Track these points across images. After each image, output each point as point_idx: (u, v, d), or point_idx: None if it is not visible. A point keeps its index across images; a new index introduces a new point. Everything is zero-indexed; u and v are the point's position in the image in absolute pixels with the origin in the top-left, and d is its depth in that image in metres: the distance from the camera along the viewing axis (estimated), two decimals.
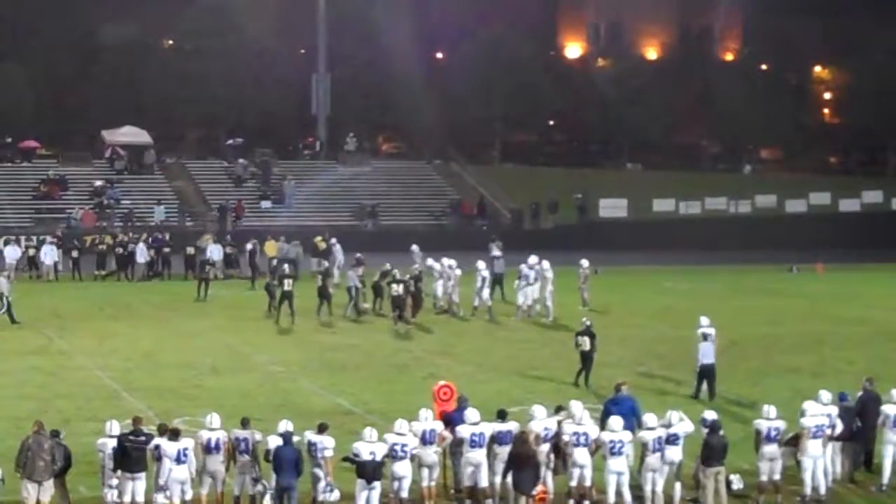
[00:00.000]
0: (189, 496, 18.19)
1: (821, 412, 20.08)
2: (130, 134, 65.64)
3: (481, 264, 38.52)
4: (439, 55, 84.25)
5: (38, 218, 58.42)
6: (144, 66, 71.45)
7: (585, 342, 27.79)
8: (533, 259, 37.93)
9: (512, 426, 19.38)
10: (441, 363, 30.61)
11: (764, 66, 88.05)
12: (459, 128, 75.64)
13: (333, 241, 47.66)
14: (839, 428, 20.26)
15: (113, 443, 18.24)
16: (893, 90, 75.06)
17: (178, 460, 18.07)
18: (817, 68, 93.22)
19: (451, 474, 19.82)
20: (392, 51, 70.75)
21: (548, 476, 19.28)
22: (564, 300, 38.92)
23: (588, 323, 28.35)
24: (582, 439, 19.18)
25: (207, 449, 18.48)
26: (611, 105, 78.83)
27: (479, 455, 19.14)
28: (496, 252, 48.94)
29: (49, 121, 70.47)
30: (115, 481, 18.15)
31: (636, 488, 19.20)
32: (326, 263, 44.42)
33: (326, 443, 18.60)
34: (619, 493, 18.99)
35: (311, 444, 18.65)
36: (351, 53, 72.28)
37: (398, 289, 35.84)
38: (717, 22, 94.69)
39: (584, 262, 39.94)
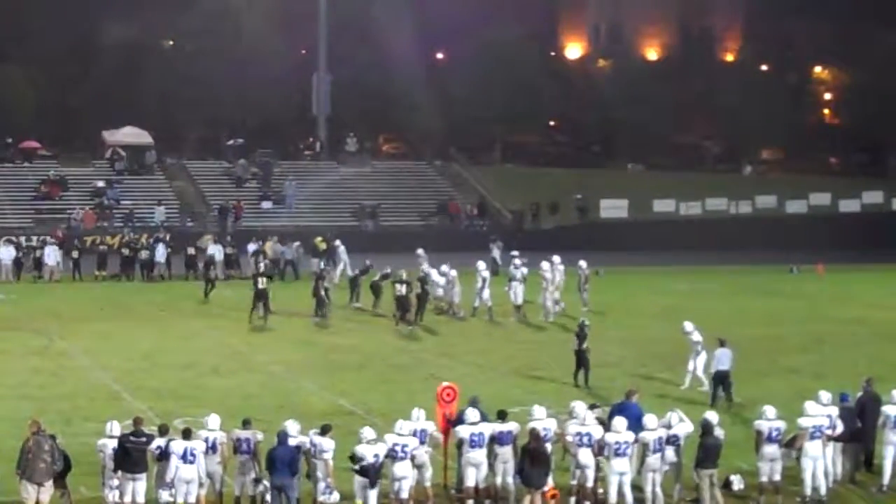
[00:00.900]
0: (193, 498, 18.19)
1: (821, 413, 20.09)
2: (131, 134, 65.63)
3: (481, 265, 38.55)
4: (440, 55, 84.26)
5: (39, 218, 58.44)
6: (145, 66, 71.42)
7: (574, 342, 27.90)
8: (520, 260, 38.19)
9: (512, 426, 19.43)
10: (442, 364, 30.62)
11: (764, 67, 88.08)
12: (460, 128, 75.64)
13: (337, 242, 47.67)
14: (840, 429, 20.26)
15: (113, 443, 18.25)
16: (894, 91, 75.05)
17: (185, 459, 18.07)
18: (817, 69, 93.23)
19: (452, 475, 19.84)
20: (392, 51, 70.75)
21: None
22: (566, 300, 38.97)
23: (584, 323, 28.33)
24: (585, 439, 19.21)
25: (205, 449, 18.49)
26: (611, 105, 78.81)
27: (479, 455, 19.18)
28: (496, 252, 49.16)
29: (50, 121, 70.45)
30: (115, 482, 18.16)
31: (636, 489, 19.22)
32: (323, 264, 44.34)
33: (326, 445, 18.62)
34: (620, 494, 19.01)
35: (312, 445, 18.67)
36: (351, 54, 72.27)
37: (401, 289, 35.85)
38: (717, 22, 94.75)
39: (583, 264, 39.90)
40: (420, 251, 44.32)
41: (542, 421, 19.53)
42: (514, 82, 74.98)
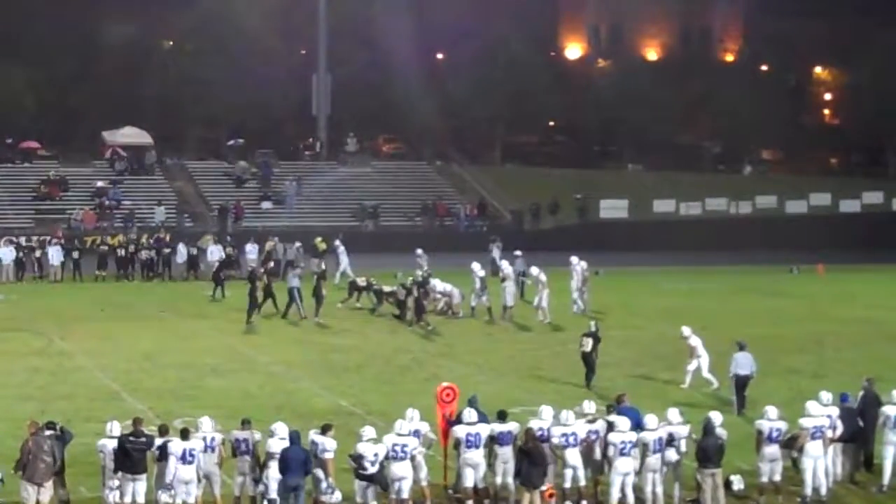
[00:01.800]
0: (192, 499, 18.18)
1: (821, 413, 20.09)
2: (131, 135, 65.66)
3: (476, 266, 38.39)
4: (440, 56, 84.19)
5: (39, 219, 58.45)
6: (145, 66, 71.42)
7: (588, 343, 27.84)
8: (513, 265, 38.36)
9: (512, 426, 19.44)
10: (442, 364, 30.61)
11: (764, 67, 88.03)
12: (460, 128, 75.65)
13: (337, 242, 47.67)
14: (840, 429, 20.26)
15: (113, 444, 18.24)
16: (893, 91, 75.04)
17: (184, 459, 18.06)
18: (817, 69, 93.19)
19: (452, 475, 19.84)
20: (392, 51, 70.73)
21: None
22: (568, 301, 39.01)
23: (594, 326, 28.34)
24: (571, 440, 19.23)
25: (203, 449, 18.47)
26: (611, 106, 78.75)
27: (475, 455, 19.18)
28: (496, 252, 49.14)
29: (50, 121, 70.46)
30: (115, 482, 18.14)
31: (637, 489, 19.22)
32: (323, 266, 44.22)
33: (327, 444, 18.60)
34: (625, 495, 19.01)
35: (313, 444, 18.66)
36: (351, 54, 72.26)
37: (400, 290, 35.95)
38: (717, 23, 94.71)
39: (583, 264, 39.87)
40: (419, 251, 44.41)
41: (541, 421, 19.54)
42: (513, 83, 74.98)
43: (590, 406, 20.08)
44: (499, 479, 19.32)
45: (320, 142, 70.72)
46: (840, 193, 70.39)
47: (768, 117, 77.61)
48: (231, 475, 18.90)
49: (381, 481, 18.37)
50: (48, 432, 18.38)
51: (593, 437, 19.46)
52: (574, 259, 39.96)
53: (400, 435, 18.73)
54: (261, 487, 18.50)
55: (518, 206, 65.78)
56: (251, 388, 27.47)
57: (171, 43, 77.87)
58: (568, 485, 19.22)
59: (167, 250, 48.58)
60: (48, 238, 49.33)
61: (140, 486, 18.12)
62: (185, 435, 18.34)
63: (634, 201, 66.42)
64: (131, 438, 18.19)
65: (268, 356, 31.60)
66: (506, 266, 38.23)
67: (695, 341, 27.95)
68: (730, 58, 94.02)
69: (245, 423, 18.93)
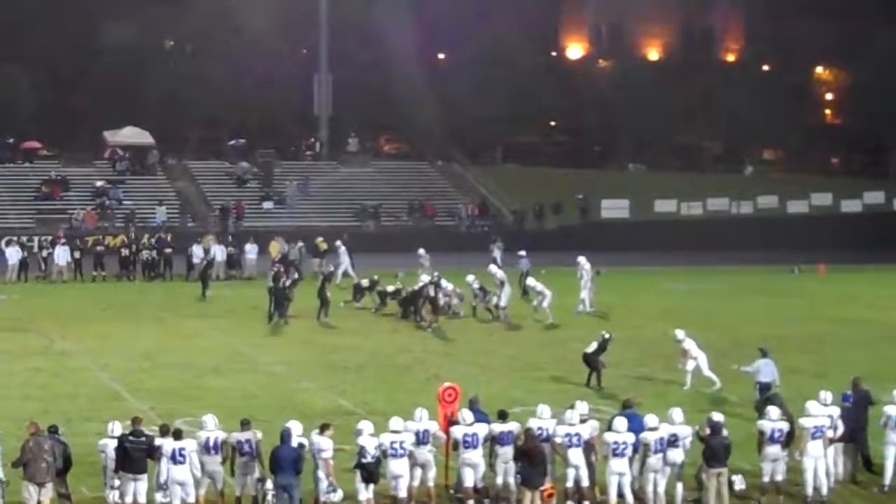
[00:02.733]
0: (191, 499, 18.18)
1: (822, 413, 20.09)
2: (132, 135, 65.71)
3: (471, 278, 38.25)
4: (441, 56, 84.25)
5: (40, 219, 58.48)
6: (146, 67, 71.45)
7: (592, 346, 27.85)
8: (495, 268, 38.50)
9: (513, 426, 19.44)
10: (443, 364, 30.61)
11: (766, 67, 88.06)
12: (461, 128, 75.65)
13: (338, 243, 47.70)
14: (840, 429, 20.25)
15: (114, 443, 18.25)
16: (895, 91, 75.02)
17: (175, 460, 18.05)
18: (819, 69, 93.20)
19: (453, 475, 19.85)
20: (394, 51, 70.74)
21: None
22: (570, 301, 39.02)
23: (606, 336, 28.29)
24: (574, 440, 19.23)
25: (206, 449, 18.48)
26: (612, 106, 78.82)
27: (474, 455, 19.20)
28: (497, 253, 49.16)
29: (51, 121, 70.48)
30: (116, 482, 18.16)
31: (638, 489, 19.21)
32: (331, 266, 44.23)
33: (323, 444, 18.62)
34: (620, 495, 19.02)
35: (312, 444, 18.67)
36: (352, 54, 72.28)
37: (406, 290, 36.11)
38: (718, 23, 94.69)
39: (587, 265, 39.90)
40: (421, 251, 44.41)
41: (541, 421, 19.55)
42: (515, 83, 75.01)
43: (582, 406, 20.04)
44: (500, 479, 19.33)
45: (320, 142, 70.73)
46: (841, 193, 70.39)
47: (770, 117, 77.63)
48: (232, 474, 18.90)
49: (373, 473, 18.38)
50: (49, 435, 18.38)
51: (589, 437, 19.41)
52: (582, 259, 39.95)
53: (395, 432, 18.74)
54: (268, 485, 18.47)
55: (519, 206, 65.79)
56: (252, 388, 27.47)
57: (173, 43, 77.91)
58: (570, 485, 19.22)
59: (168, 250, 48.59)
60: (53, 238, 49.36)
61: (141, 485, 18.12)
62: (177, 435, 18.33)
63: (635, 201, 66.43)
64: (131, 438, 18.20)
65: (269, 356, 31.60)
66: (501, 274, 37.99)
67: (689, 344, 27.96)
68: (731, 58, 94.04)
69: (245, 424, 18.92)
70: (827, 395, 20.60)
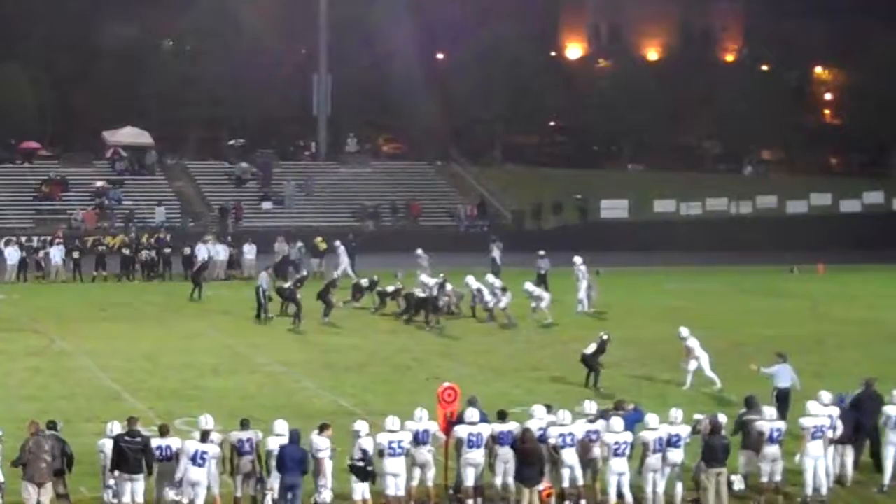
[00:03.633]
0: (200, 500, 18.15)
1: (822, 413, 20.09)
2: (131, 135, 65.66)
3: (470, 279, 38.18)
4: (440, 56, 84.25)
5: (40, 219, 58.47)
6: (145, 66, 71.43)
7: (591, 347, 27.86)
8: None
9: (512, 426, 19.44)
10: (442, 364, 30.61)
11: (765, 67, 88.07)
12: (460, 128, 75.67)
13: (337, 243, 47.68)
14: (840, 429, 20.25)
15: (111, 443, 18.27)
16: (894, 91, 75.02)
17: (195, 461, 18.05)
18: (818, 69, 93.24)
19: (452, 475, 19.85)
20: (393, 52, 70.77)
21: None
22: (570, 301, 39.02)
23: (605, 337, 28.29)
24: (568, 440, 19.25)
25: (216, 454, 18.48)
26: (611, 106, 78.80)
27: (477, 455, 19.20)
28: (496, 253, 49.14)
29: (50, 122, 70.50)
30: (112, 482, 18.15)
31: (637, 489, 19.22)
32: (336, 274, 43.97)
33: (320, 444, 18.62)
34: (620, 494, 19.03)
35: (311, 444, 18.67)
36: (352, 54, 72.26)
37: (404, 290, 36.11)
38: (717, 23, 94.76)
39: (582, 265, 39.92)
40: (420, 251, 44.39)
41: (539, 421, 19.55)
42: (514, 83, 75.01)
43: (591, 406, 20.13)
44: (499, 480, 19.34)
45: (316, 143, 70.75)
46: (840, 193, 70.36)
47: (769, 117, 77.63)
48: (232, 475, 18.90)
49: (368, 474, 18.44)
50: (49, 432, 18.41)
51: (594, 437, 19.46)
52: (578, 259, 39.94)
53: (392, 431, 18.76)
54: (267, 486, 18.48)
55: (518, 207, 65.78)
56: (251, 389, 27.48)
57: (172, 43, 77.88)
58: (566, 485, 19.23)
59: (168, 250, 48.59)
60: (51, 238, 49.36)
61: (138, 486, 18.10)
62: (204, 437, 18.33)
63: (635, 201, 66.41)
64: (126, 438, 18.18)
65: (268, 356, 31.59)
66: (499, 283, 37.90)
67: (692, 342, 27.95)
68: (730, 58, 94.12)
69: (244, 424, 18.92)
70: (827, 396, 20.60)
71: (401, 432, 18.85)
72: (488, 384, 27.25)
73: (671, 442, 19.25)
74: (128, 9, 71.97)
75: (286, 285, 37.72)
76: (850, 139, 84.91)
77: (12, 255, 47.00)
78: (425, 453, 19.18)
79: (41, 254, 47.90)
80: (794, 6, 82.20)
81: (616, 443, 19.00)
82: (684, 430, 19.48)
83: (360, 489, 18.50)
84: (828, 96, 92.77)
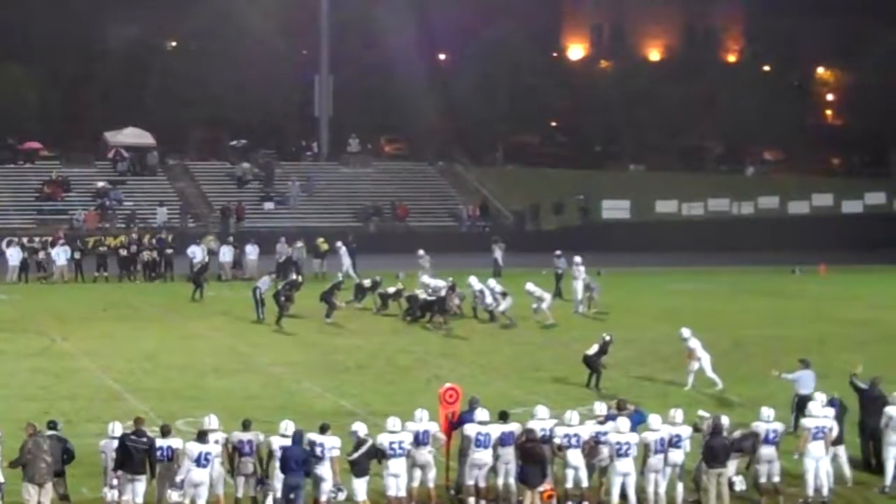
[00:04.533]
0: (202, 501, 18.14)
1: (823, 413, 20.09)
2: (133, 135, 65.69)
3: (472, 279, 38.16)
4: (442, 56, 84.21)
5: (41, 219, 58.49)
6: (147, 67, 71.41)
7: (593, 348, 27.85)
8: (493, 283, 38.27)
9: (514, 427, 19.45)
10: (444, 364, 30.61)
11: (767, 68, 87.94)
12: (462, 129, 75.57)
13: (339, 244, 47.68)
14: (835, 431, 20.26)
15: (115, 444, 18.25)
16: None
17: (199, 462, 18.05)
18: (820, 69, 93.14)
19: (453, 475, 19.85)
20: (395, 52, 70.70)
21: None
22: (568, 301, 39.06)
23: (607, 338, 28.29)
24: (574, 441, 19.23)
25: (218, 453, 18.47)
26: (613, 106, 78.74)
27: (485, 455, 19.21)
28: (498, 253, 49.17)
29: (52, 122, 70.44)
30: (114, 481, 18.16)
31: (639, 489, 19.21)
32: (340, 276, 43.89)
33: (333, 442, 18.64)
34: (623, 495, 19.02)
35: (313, 445, 18.66)
36: (354, 55, 72.26)
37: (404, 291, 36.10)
38: (719, 23, 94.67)
39: (579, 260, 39.98)
40: (421, 252, 44.36)
41: (542, 421, 19.55)
42: (516, 83, 74.97)
43: (601, 408, 20.09)
44: (500, 480, 19.33)
45: (318, 143, 70.74)
46: (842, 194, 70.35)
47: (771, 118, 77.53)
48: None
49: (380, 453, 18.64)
50: (49, 432, 18.41)
51: (602, 438, 19.42)
52: (577, 259, 39.96)
53: (393, 432, 18.77)
54: (268, 487, 18.48)
55: (520, 207, 65.76)
56: (253, 389, 27.47)
57: (174, 44, 77.88)
58: (570, 485, 19.22)
59: (169, 251, 48.61)
60: (52, 238, 49.37)
61: (139, 486, 18.11)
62: (202, 438, 18.32)
63: (636, 202, 66.41)
64: (132, 437, 18.20)
65: (269, 357, 31.60)
66: (500, 288, 37.85)
67: (694, 343, 27.93)
68: (732, 58, 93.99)
69: (246, 425, 18.93)
70: (822, 397, 20.62)
71: (402, 433, 18.86)
72: (490, 385, 27.25)
73: (672, 442, 19.24)
74: (130, 9, 71.95)
75: (278, 288, 37.56)
76: (852, 140, 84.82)
77: (14, 255, 47.02)
78: (426, 454, 19.18)
79: (42, 254, 47.91)
80: (796, 6, 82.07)
81: (618, 443, 18.98)
82: (685, 431, 19.47)
83: (361, 489, 18.50)
84: (830, 97, 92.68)
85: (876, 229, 65.25)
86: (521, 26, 78.72)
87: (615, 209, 66.50)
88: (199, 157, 69.85)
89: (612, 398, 23.70)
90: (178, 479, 18.10)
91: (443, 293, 36.29)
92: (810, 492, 19.67)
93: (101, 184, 61.13)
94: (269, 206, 62.75)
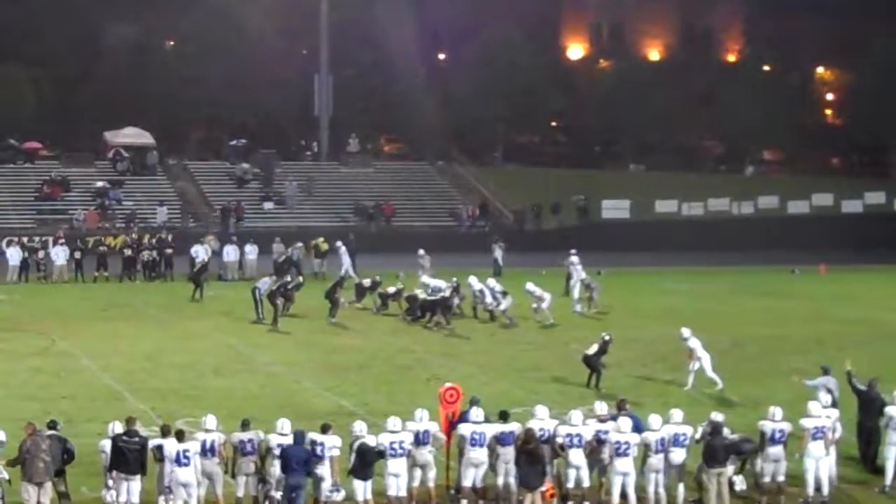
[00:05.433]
0: (194, 501, 18.14)
1: (823, 413, 20.10)
2: (133, 135, 65.68)
3: (473, 279, 38.15)
4: (441, 56, 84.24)
5: (41, 219, 58.49)
6: (147, 67, 71.42)
7: (593, 348, 27.85)
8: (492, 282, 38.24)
9: (514, 427, 19.44)
10: (444, 364, 30.61)
11: (766, 67, 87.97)
12: (462, 129, 75.63)
13: (338, 243, 47.69)
14: (839, 432, 20.26)
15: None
16: (895, 91, 74.96)
17: (179, 462, 18.03)
18: (820, 69, 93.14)
19: (453, 475, 19.85)
20: (394, 52, 70.74)
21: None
22: (567, 301, 39.06)
23: (606, 338, 28.28)
24: (576, 440, 19.24)
25: (203, 451, 18.43)
26: (613, 106, 78.76)
27: (480, 454, 19.22)
28: (498, 253, 49.18)
29: (52, 122, 70.46)
30: (111, 482, 18.17)
31: (639, 489, 19.22)
32: (342, 272, 43.89)
33: (334, 442, 18.66)
34: (623, 495, 19.02)
35: (314, 445, 18.67)
36: (353, 54, 72.28)
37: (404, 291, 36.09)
38: (718, 23, 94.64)
39: (576, 260, 39.95)
40: (421, 252, 44.38)
41: (541, 421, 19.55)
42: (515, 83, 75.00)
43: (601, 407, 20.09)
44: (500, 480, 19.33)
45: (318, 143, 70.73)
46: (842, 194, 70.34)
47: (770, 117, 77.57)
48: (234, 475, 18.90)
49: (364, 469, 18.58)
50: (49, 432, 18.42)
51: (603, 437, 19.42)
52: (575, 258, 39.95)
53: (394, 432, 18.78)
54: (268, 487, 18.48)
55: (520, 207, 65.76)
56: (253, 389, 27.48)
57: (174, 43, 77.86)
58: (571, 485, 19.22)
59: (169, 251, 48.61)
60: (54, 238, 49.35)
61: (134, 486, 18.09)
62: (179, 437, 18.30)
63: (636, 202, 66.40)
64: (124, 438, 18.18)
65: (269, 356, 31.60)
66: (499, 287, 37.86)
67: (694, 343, 27.93)
68: (732, 58, 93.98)
69: (245, 425, 18.93)
70: (826, 397, 20.61)
71: (402, 433, 18.86)
72: (490, 384, 27.26)
73: (674, 441, 19.25)
74: (130, 9, 71.96)
75: (273, 289, 37.54)
76: (852, 139, 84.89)
77: (14, 255, 47.03)
78: (426, 454, 19.19)
79: (41, 254, 47.91)
80: (796, 6, 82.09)
81: (618, 443, 18.99)
82: (686, 430, 19.46)
83: (362, 489, 18.51)
84: (829, 96, 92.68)
85: (875, 229, 65.22)
86: (521, 26, 78.77)
87: (615, 209, 66.50)
88: (199, 156, 69.86)
89: (612, 398, 23.72)
90: (165, 482, 18.07)
91: (446, 293, 36.30)
92: (810, 491, 19.68)
93: (100, 183, 61.13)
94: (268, 205, 62.75)
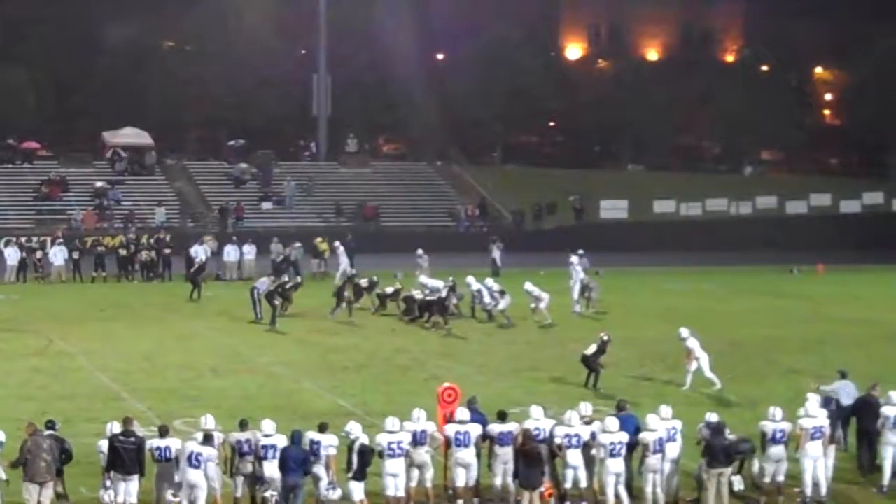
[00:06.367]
0: (202, 502, 18.12)
1: (821, 413, 20.11)
2: (131, 135, 65.66)
3: (471, 279, 38.14)
4: (440, 56, 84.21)
5: (39, 219, 58.46)
6: (145, 67, 71.42)
7: (591, 348, 27.84)
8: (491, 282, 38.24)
9: (512, 427, 19.44)
10: (442, 364, 30.60)
11: (765, 67, 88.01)
12: (460, 129, 75.63)
13: (337, 243, 47.69)
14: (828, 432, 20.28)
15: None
16: (894, 91, 75.01)
17: (191, 463, 18.03)
18: (818, 69, 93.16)
19: (451, 475, 19.86)
20: (393, 52, 70.72)
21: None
22: (569, 301, 39.04)
23: (605, 338, 28.29)
24: (574, 441, 19.24)
25: (214, 457, 18.43)
26: (611, 106, 78.79)
27: (466, 455, 19.21)
28: (497, 253, 49.19)
29: (50, 122, 70.46)
30: (109, 482, 18.16)
31: (636, 489, 19.21)
32: (350, 269, 43.84)
33: (331, 440, 18.66)
34: (617, 495, 19.02)
35: (312, 444, 18.68)
36: (352, 54, 72.25)
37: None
38: (717, 23, 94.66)
39: (580, 264, 39.91)
40: (420, 252, 44.39)
41: (537, 421, 19.55)
42: (513, 83, 75.01)
43: (586, 408, 20.06)
44: (498, 480, 19.33)
45: (316, 143, 70.72)
46: (840, 194, 70.40)
47: (768, 118, 77.63)
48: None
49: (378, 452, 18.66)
50: (47, 432, 18.42)
51: (592, 438, 19.44)
52: (574, 258, 39.95)
53: (392, 432, 18.78)
54: (268, 487, 18.48)
55: (518, 207, 65.76)
56: (251, 389, 27.47)
57: (172, 43, 77.86)
58: (569, 485, 19.22)
59: (167, 251, 48.59)
60: (52, 238, 49.32)
61: (132, 486, 18.09)
62: (207, 440, 18.28)
63: (634, 202, 66.41)
64: (121, 438, 18.18)
65: (268, 356, 31.58)
66: (497, 286, 37.85)
67: (692, 343, 27.92)
68: (730, 58, 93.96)
69: (243, 425, 18.93)
70: (814, 398, 20.64)
71: (400, 433, 18.86)
72: (488, 385, 27.24)
73: (669, 436, 19.25)
74: (128, 9, 71.86)
75: (271, 289, 37.50)
76: (850, 139, 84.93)
77: (12, 255, 47.03)
78: (423, 454, 19.18)
79: (39, 254, 47.89)
80: (795, 6, 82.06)
81: (611, 443, 18.99)
82: (678, 424, 19.48)
83: (358, 490, 18.51)
84: (828, 96, 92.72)
85: (874, 229, 65.29)
86: (519, 26, 78.77)
87: (613, 209, 66.51)
88: (198, 156, 69.85)
89: (611, 398, 23.78)
90: (177, 479, 18.10)
91: (443, 293, 36.30)
92: (808, 491, 19.69)
93: (99, 183, 61.12)
94: (267, 205, 62.74)
